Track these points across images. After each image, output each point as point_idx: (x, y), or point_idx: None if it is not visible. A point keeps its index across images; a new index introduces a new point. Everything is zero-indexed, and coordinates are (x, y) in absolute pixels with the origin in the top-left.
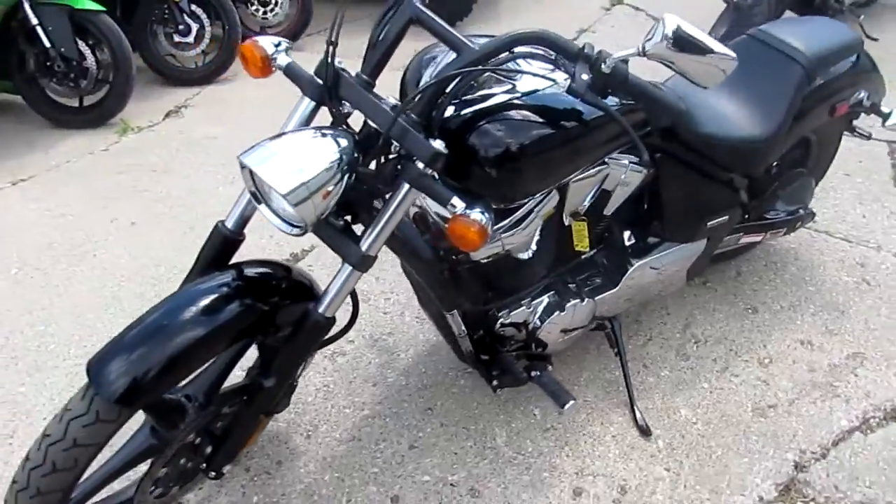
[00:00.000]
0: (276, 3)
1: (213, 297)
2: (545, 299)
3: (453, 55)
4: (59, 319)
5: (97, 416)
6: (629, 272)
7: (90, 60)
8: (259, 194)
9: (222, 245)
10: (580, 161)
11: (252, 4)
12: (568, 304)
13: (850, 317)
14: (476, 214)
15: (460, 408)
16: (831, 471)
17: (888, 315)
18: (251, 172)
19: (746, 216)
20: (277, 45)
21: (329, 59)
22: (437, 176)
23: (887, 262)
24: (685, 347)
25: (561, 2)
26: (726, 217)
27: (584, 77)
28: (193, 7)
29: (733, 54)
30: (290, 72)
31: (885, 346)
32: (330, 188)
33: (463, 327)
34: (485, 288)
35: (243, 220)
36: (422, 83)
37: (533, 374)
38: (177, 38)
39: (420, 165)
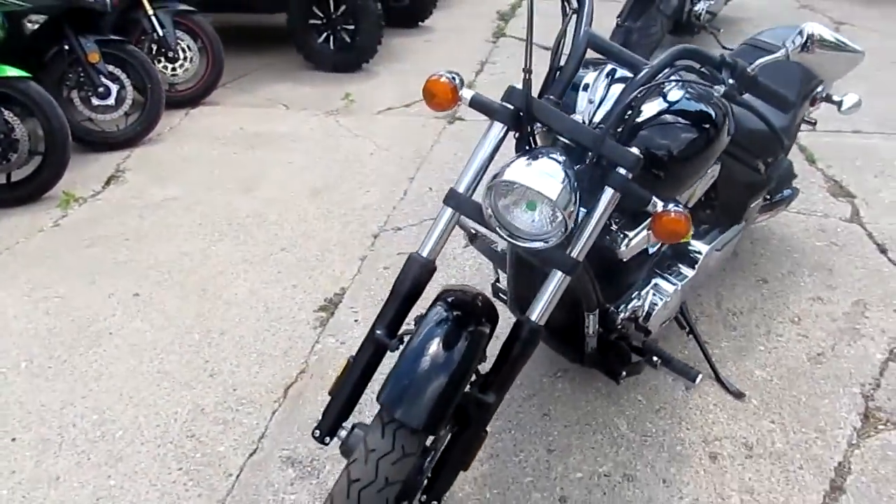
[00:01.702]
0: (184, 59)
1: (454, 327)
2: (650, 291)
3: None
4: (111, 405)
5: (403, 450)
6: (702, 258)
7: (19, 132)
8: (497, 217)
9: (420, 275)
10: (716, 157)
11: (159, 62)
12: (667, 293)
13: (837, 272)
14: (678, 209)
15: (572, 408)
16: (891, 395)
17: (863, 266)
18: (498, 191)
19: (769, 198)
20: (458, 79)
21: (526, 87)
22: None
23: (839, 226)
24: (728, 320)
25: (447, 40)
26: (760, 199)
27: (731, 82)
28: (111, 68)
29: (862, 50)
30: (478, 102)
31: (874, 290)
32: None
33: (598, 325)
34: (615, 285)
35: (438, 250)
36: (597, 96)
37: (655, 360)
38: (95, 102)
39: (622, 171)
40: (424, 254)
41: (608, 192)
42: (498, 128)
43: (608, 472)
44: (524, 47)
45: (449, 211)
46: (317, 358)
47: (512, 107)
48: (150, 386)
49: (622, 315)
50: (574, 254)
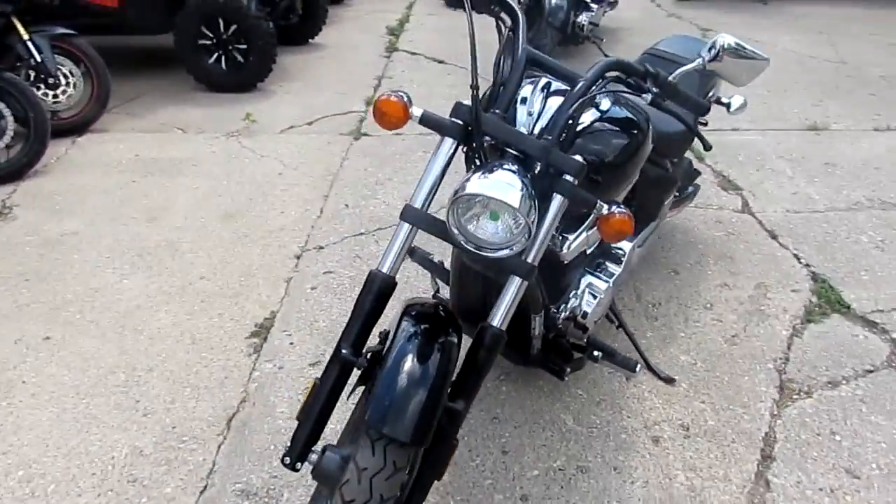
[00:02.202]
0: (67, 85)
1: (425, 340)
2: (585, 290)
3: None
4: (37, 458)
5: (395, 465)
6: (627, 255)
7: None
8: (461, 230)
9: (382, 291)
10: (644, 160)
11: (39, 89)
12: (601, 291)
13: (737, 259)
14: (622, 210)
15: (519, 409)
16: (799, 367)
17: (758, 252)
18: (461, 205)
19: (677, 194)
20: (406, 97)
21: (474, 102)
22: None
23: (733, 217)
24: (649, 311)
25: (340, 56)
26: (671, 196)
27: (655, 90)
28: None
29: (767, 57)
30: (428, 118)
31: (772, 273)
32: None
33: (542, 327)
34: (556, 287)
35: (397, 266)
36: (535, 109)
37: (596, 354)
38: None
39: (569, 178)
40: (385, 270)
41: (557, 199)
42: (448, 143)
43: (562, 466)
44: (468, 66)
45: (406, 226)
46: (256, 385)
47: (461, 122)
48: (79, 433)
49: (563, 315)
50: (529, 259)
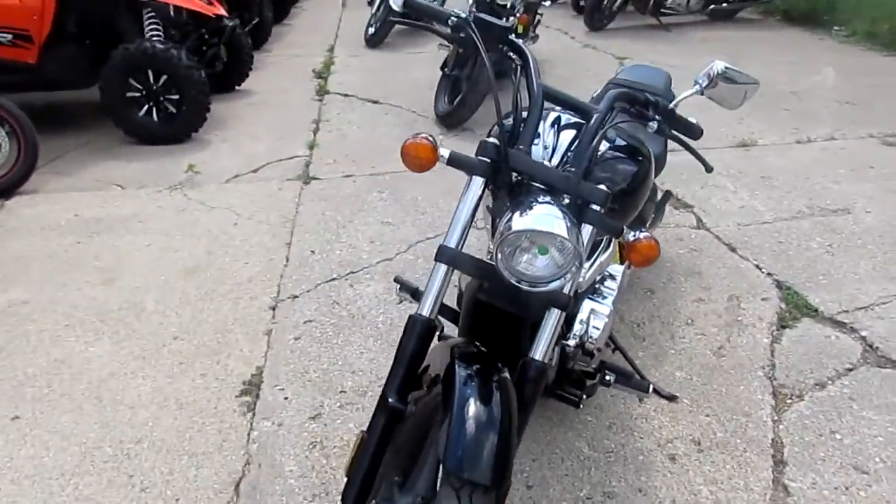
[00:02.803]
0: None
1: (482, 381)
2: (590, 315)
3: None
4: None
5: None
6: (620, 276)
7: None
8: (509, 268)
9: (423, 335)
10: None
11: None
12: (604, 315)
13: (706, 274)
14: (648, 235)
15: (534, 442)
16: (786, 372)
17: (723, 265)
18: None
19: (653, 215)
20: (433, 139)
21: (502, 141)
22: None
23: (692, 234)
24: (636, 331)
25: (271, 101)
26: (651, 216)
27: (657, 118)
28: None
29: (757, 80)
30: (456, 159)
31: (740, 284)
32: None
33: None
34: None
35: (437, 308)
36: (549, 142)
37: (608, 379)
38: None
39: (596, 208)
40: (425, 313)
41: (587, 229)
42: (478, 182)
43: (589, 494)
44: (403, 106)
45: (444, 267)
46: (257, 446)
47: (488, 160)
48: None
49: (574, 342)
50: (566, 290)
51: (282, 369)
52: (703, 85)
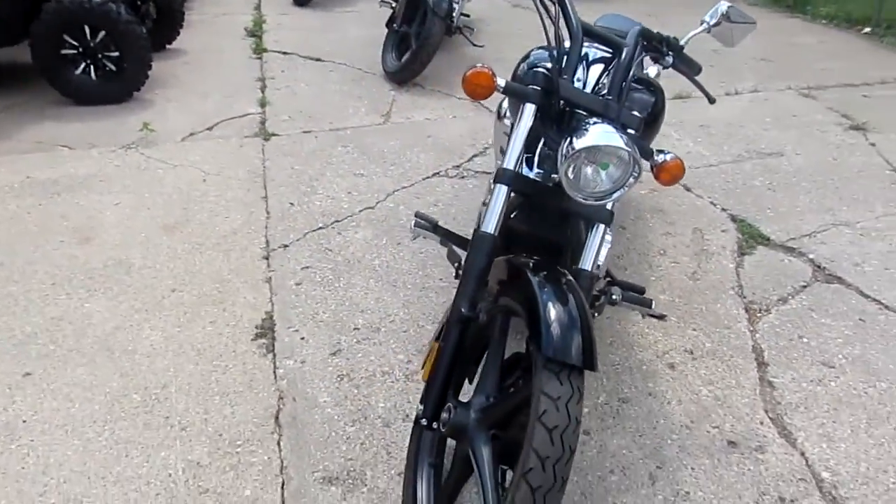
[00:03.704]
0: None
1: (553, 277)
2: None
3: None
4: (84, 492)
5: (579, 390)
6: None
7: None
8: (574, 183)
9: (490, 250)
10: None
11: None
12: (608, 241)
13: (668, 211)
14: (672, 155)
15: None
16: (752, 290)
17: (681, 202)
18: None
19: None
20: (491, 70)
21: (554, 70)
22: None
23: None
24: (617, 262)
25: (207, 60)
26: None
27: (671, 54)
28: None
29: (755, 20)
30: (511, 88)
31: (700, 218)
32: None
33: None
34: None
35: (499, 224)
36: (579, 73)
37: (615, 298)
38: None
39: (631, 132)
40: (490, 230)
41: None
42: (530, 108)
43: (606, 400)
44: (347, 62)
45: (504, 188)
46: (286, 382)
47: (540, 89)
48: (119, 459)
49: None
50: (609, 206)
51: (291, 312)
52: (711, 23)
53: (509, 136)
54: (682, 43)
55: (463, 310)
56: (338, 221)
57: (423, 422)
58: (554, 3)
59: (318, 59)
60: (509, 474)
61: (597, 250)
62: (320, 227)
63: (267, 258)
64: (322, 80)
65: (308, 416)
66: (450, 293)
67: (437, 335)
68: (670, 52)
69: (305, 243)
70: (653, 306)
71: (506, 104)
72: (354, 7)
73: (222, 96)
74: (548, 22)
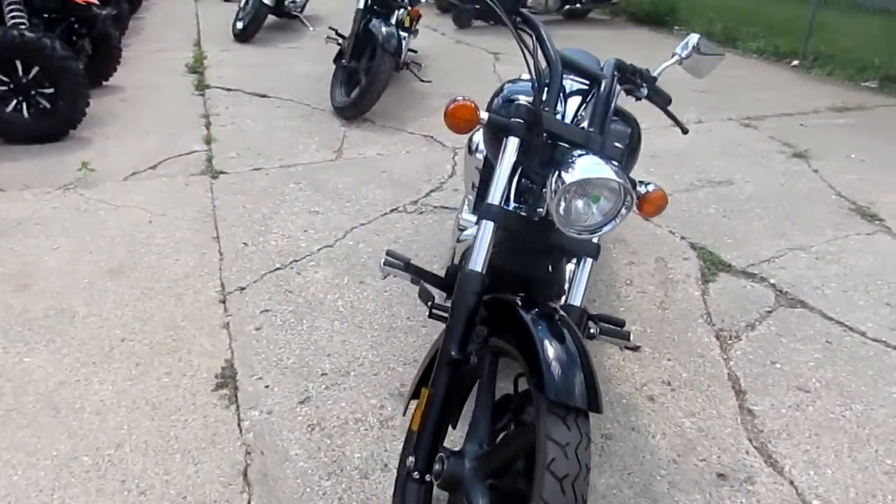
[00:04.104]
0: None
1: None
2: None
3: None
4: None
5: (587, 435)
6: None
7: None
8: (565, 218)
9: (479, 289)
10: None
11: None
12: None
13: (630, 241)
14: (655, 187)
15: None
16: (721, 318)
17: (641, 231)
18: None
19: None
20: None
21: (536, 103)
22: None
23: None
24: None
25: (146, 97)
26: None
27: (644, 85)
28: None
29: (723, 53)
30: (494, 121)
31: (661, 247)
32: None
33: None
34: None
35: (486, 263)
36: (558, 106)
37: (592, 332)
38: None
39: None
40: (478, 268)
41: None
42: (514, 142)
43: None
44: (293, 98)
45: (491, 224)
46: (252, 434)
47: (523, 121)
48: None
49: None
50: (596, 239)
51: (253, 359)
52: (683, 55)
53: (488, 170)
54: (654, 74)
55: (453, 353)
56: (296, 261)
57: (416, 475)
58: (531, 36)
59: (263, 96)
60: None
61: (585, 285)
62: (278, 268)
63: (223, 302)
64: (269, 116)
65: (279, 471)
66: (418, 332)
67: (419, 381)
68: (644, 84)
69: (263, 285)
70: (630, 337)
71: (477, 138)
72: (297, 43)
73: (165, 133)
74: (527, 54)
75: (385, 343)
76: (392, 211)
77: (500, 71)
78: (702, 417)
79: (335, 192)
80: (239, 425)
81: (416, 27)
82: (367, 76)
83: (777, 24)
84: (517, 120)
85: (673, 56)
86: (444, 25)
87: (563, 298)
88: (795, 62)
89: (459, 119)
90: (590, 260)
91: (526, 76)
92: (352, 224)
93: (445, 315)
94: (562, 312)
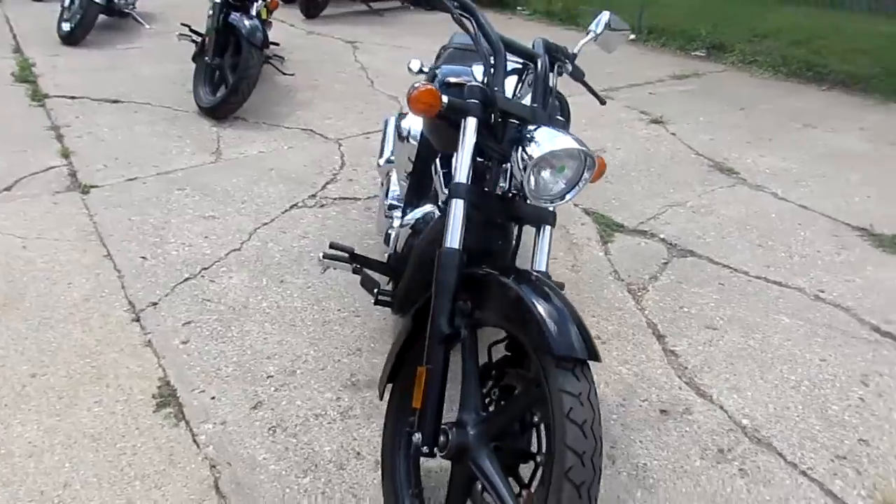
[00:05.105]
0: None
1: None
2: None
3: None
4: None
5: (593, 382)
6: None
7: None
8: (537, 189)
9: (458, 265)
10: None
11: None
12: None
13: None
14: (598, 155)
15: None
16: (627, 273)
17: None
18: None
19: None
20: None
21: (490, 83)
22: None
23: None
24: None
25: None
26: None
27: (569, 62)
28: None
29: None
30: (453, 103)
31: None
32: None
33: None
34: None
35: (461, 239)
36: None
37: None
38: None
39: None
40: (455, 245)
41: None
42: (473, 122)
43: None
44: (150, 102)
45: (461, 202)
46: (212, 447)
47: (479, 102)
48: None
49: None
50: (552, 208)
51: (189, 373)
52: (598, 32)
53: (423, 154)
54: (575, 51)
55: (444, 329)
56: (205, 269)
57: (425, 450)
58: (471, 21)
59: (115, 101)
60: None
61: (548, 251)
62: (188, 278)
63: (137, 320)
64: (128, 122)
65: (252, 477)
66: (354, 323)
67: (394, 364)
68: (567, 60)
69: (177, 297)
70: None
71: (406, 125)
72: (135, 43)
73: (11, 151)
74: (472, 37)
75: (323, 337)
76: (292, 207)
77: (362, 60)
78: (634, 363)
79: (226, 195)
80: (195, 441)
81: (270, 19)
82: (234, 73)
83: (612, 2)
84: (473, 101)
85: (588, 33)
86: (291, 16)
87: (529, 265)
88: (633, 36)
89: (424, 103)
90: (549, 227)
91: (416, 62)
92: (254, 225)
93: (391, 301)
94: (536, 274)
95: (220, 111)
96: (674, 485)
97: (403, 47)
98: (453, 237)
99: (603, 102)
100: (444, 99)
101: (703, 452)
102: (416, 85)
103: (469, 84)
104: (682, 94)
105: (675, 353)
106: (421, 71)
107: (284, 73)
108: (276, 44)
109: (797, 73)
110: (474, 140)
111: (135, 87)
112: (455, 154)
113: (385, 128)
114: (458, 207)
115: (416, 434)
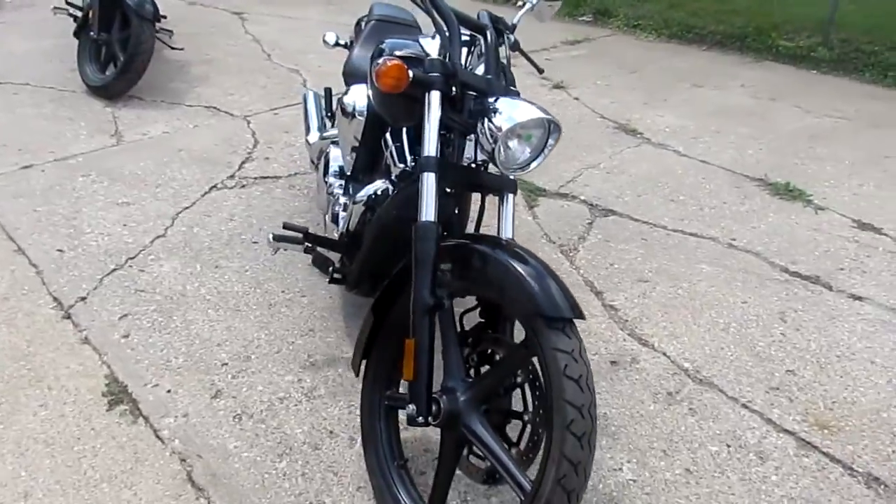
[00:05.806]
0: None
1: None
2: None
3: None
4: None
5: (581, 340)
6: None
7: None
8: (506, 157)
9: (437, 237)
10: None
11: None
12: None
13: None
14: None
15: None
16: (556, 235)
17: None
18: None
19: None
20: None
21: (452, 57)
22: None
23: None
24: None
25: None
26: None
27: (510, 33)
28: None
29: None
30: (418, 77)
31: None
32: None
33: None
34: None
35: (436, 210)
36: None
37: None
38: None
39: None
40: (431, 218)
41: None
42: (437, 95)
43: None
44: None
45: (433, 175)
46: (178, 441)
47: (441, 75)
48: None
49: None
50: (512, 176)
51: (136, 367)
52: (535, 2)
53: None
54: (514, 22)
55: (428, 300)
56: (132, 258)
57: (420, 420)
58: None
59: (51, 88)
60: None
61: (511, 218)
62: (115, 269)
63: (68, 317)
64: (9, 105)
65: (227, 467)
66: (301, 303)
67: (367, 341)
68: (508, 31)
69: (107, 290)
70: None
71: (350, 100)
72: None
73: None
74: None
75: (272, 320)
76: (212, 189)
77: (253, 31)
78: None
79: (137, 179)
80: (157, 436)
81: None
82: (125, 48)
83: None
84: (435, 74)
85: (526, 4)
86: None
87: (497, 232)
88: (521, 3)
89: (393, 78)
90: (511, 195)
91: (332, 35)
92: (174, 209)
93: (345, 278)
94: (505, 240)
95: (113, 90)
96: (633, 429)
97: (294, 17)
98: (428, 210)
99: (541, 71)
100: (411, 73)
101: (654, 397)
102: (383, 60)
103: (430, 58)
104: (576, 59)
105: (614, 308)
106: (337, 44)
107: (173, 48)
108: (164, 17)
109: (678, 35)
110: (439, 113)
111: (8, 67)
112: (412, 128)
113: (305, 103)
114: (430, 180)
115: (410, 406)
